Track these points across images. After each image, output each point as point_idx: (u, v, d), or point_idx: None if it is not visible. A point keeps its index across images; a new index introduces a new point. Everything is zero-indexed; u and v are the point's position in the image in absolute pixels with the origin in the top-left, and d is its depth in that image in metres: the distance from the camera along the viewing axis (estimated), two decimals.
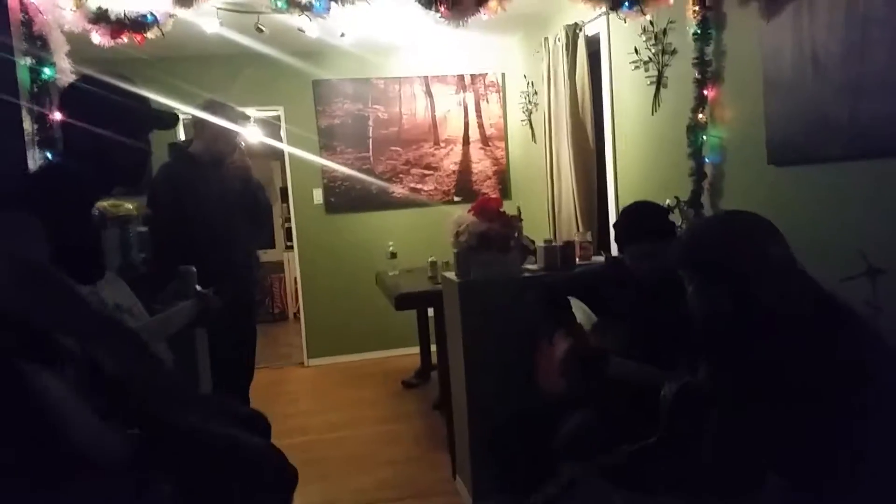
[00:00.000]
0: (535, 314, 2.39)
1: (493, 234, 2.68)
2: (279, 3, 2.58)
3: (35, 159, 2.47)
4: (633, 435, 1.94)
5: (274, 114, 5.43)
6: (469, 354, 2.63)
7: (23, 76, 2.43)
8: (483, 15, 2.71)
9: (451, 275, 2.78)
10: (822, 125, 2.20)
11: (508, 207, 2.86)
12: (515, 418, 2.57)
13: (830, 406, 1.15)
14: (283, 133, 5.40)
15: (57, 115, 2.51)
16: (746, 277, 1.32)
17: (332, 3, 2.59)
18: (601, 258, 3.02)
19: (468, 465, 2.70)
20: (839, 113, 2.12)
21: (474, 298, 2.64)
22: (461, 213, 2.77)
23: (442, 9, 2.63)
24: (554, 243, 2.81)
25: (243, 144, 3.15)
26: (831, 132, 2.16)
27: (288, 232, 7.47)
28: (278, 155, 7.42)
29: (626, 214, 2.15)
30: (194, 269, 2.05)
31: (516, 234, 2.76)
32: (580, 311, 2.32)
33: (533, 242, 3.02)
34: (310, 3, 2.61)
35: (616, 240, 2.18)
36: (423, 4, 2.62)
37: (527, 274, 2.75)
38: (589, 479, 1.45)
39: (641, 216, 2.13)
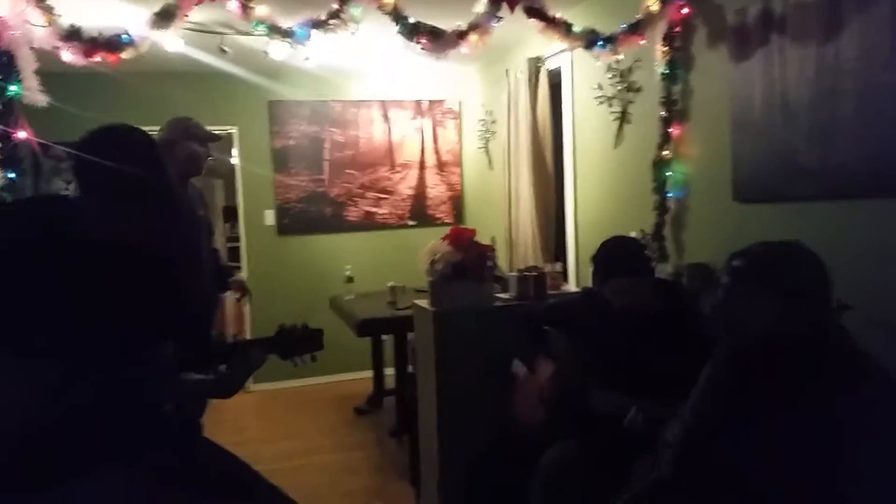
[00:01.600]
0: (513, 343, 2.40)
1: (469, 263, 2.67)
2: (260, 28, 2.53)
3: None
4: (613, 468, 1.96)
5: (226, 132, 5.29)
6: (442, 383, 2.61)
7: None
8: (463, 49, 2.74)
9: (424, 303, 2.76)
10: (791, 166, 2.32)
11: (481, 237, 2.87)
12: (490, 450, 2.55)
13: (857, 465, 1.18)
14: (235, 152, 5.27)
15: (21, 135, 2.38)
16: (813, 306, 1.34)
17: (314, 31, 2.55)
18: (569, 288, 3.07)
19: (435, 499, 2.66)
20: (808, 155, 2.24)
21: (448, 327, 2.62)
22: (435, 241, 2.76)
23: (423, 41, 2.65)
24: (526, 273, 2.83)
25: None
26: (800, 173, 2.28)
27: (231, 252, 7.29)
28: (221, 174, 7.28)
29: (607, 249, 2.18)
30: None
31: (490, 264, 2.77)
32: (558, 340, 2.34)
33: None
34: (291, 30, 2.57)
35: (596, 272, 2.21)
36: (405, 36, 2.63)
37: (499, 303, 2.76)
38: None
39: (622, 251, 2.18)
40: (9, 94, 2.25)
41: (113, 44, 2.41)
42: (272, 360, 1.67)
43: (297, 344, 1.64)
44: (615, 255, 2.15)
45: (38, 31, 2.27)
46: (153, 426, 1.50)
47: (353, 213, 5.45)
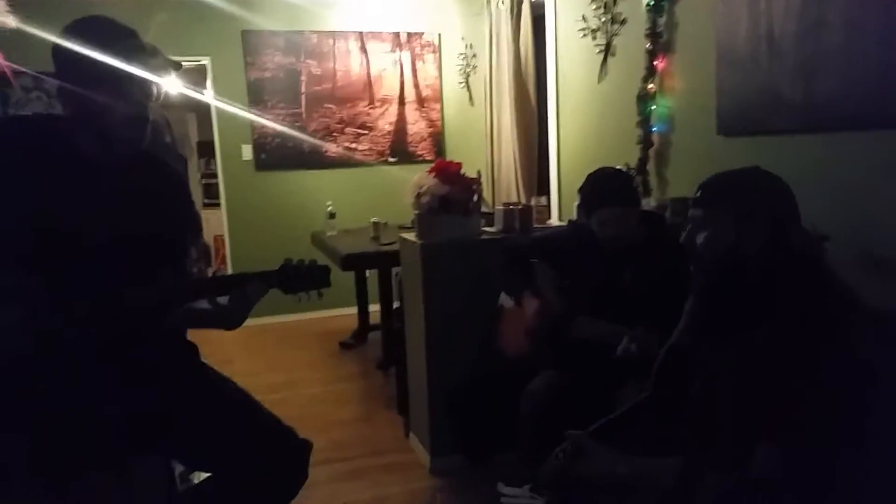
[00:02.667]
0: (501, 275, 2.44)
1: (455, 196, 2.68)
2: None
3: None
4: (598, 394, 2.04)
5: (199, 63, 5.14)
6: (430, 315, 2.65)
7: None
8: None
9: (411, 235, 2.78)
10: (775, 99, 2.34)
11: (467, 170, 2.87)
12: (476, 378, 2.63)
13: (831, 376, 1.23)
14: (209, 84, 5.14)
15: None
16: (769, 225, 1.38)
17: None
18: (554, 222, 3.10)
19: (426, 424, 2.75)
20: (793, 88, 2.26)
21: (435, 259, 2.65)
22: (421, 174, 2.76)
23: None
24: (511, 207, 2.85)
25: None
26: (784, 106, 2.30)
27: (207, 188, 7.17)
28: (193, 107, 7.09)
29: (594, 180, 2.20)
30: None
31: (475, 197, 2.78)
32: (545, 272, 2.38)
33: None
34: None
35: (582, 203, 2.24)
36: None
37: (486, 237, 2.79)
38: (589, 446, 1.49)
39: (610, 182, 2.20)
40: None
41: None
42: (273, 294, 1.67)
43: (301, 279, 1.61)
44: (602, 187, 2.18)
45: None
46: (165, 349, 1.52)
47: (332, 149, 5.39)
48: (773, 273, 1.38)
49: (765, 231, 1.39)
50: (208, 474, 1.60)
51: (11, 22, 2.27)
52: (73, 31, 1.40)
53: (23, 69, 2.83)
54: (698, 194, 1.50)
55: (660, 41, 2.97)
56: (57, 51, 1.40)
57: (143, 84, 1.45)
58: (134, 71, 1.40)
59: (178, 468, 1.93)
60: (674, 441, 1.43)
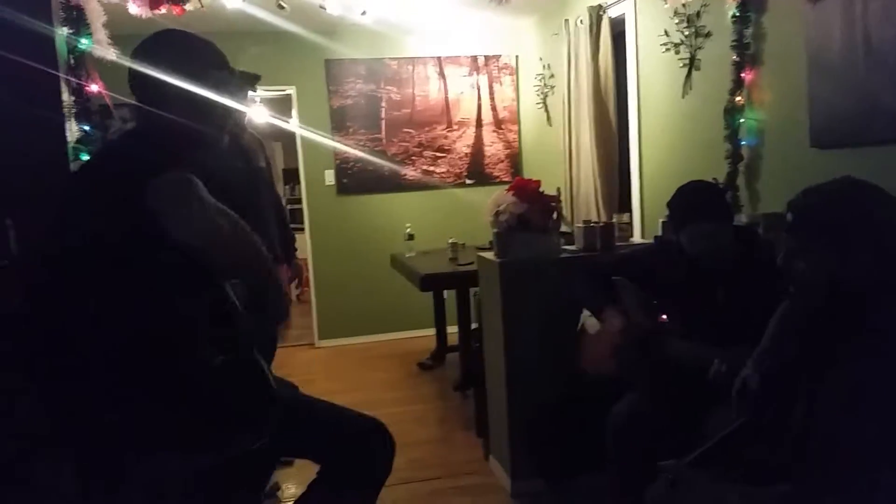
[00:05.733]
0: (584, 294, 2.38)
1: (533, 214, 2.66)
2: None
3: (72, 131, 2.41)
4: (686, 418, 1.95)
5: (284, 93, 5.35)
6: (509, 334, 2.62)
7: (60, 47, 2.37)
8: None
9: (490, 255, 2.76)
10: (872, 108, 2.20)
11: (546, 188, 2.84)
12: (559, 400, 2.57)
13: None
14: (294, 112, 5.33)
15: (93, 88, 2.45)
16: (874, 241, 1.28)
17: None
18: (636, 240, 3.02)
19: (505, 446, 2.70)
20: (892, 95, 2.12)
21: (514, 278, 2.62)
22: (500, 192, 2.75)
23: None
24: (593, 224, 2.79)
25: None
26: (881, 115, 2.17)
27: (292, 214, 7.42)
28: (278, 136, 7.38)
29: (685, 193, 2.11)
30: None
31: (555, 215, 2.74)
32: (631, 291, 2.30)
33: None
34: None
35: (671, 219, 2.16)
36: None
37: (566, 255, 2.74)
38: (693, 476, 1.42)
39: (702, 196, 2.10)
40: (80, 47, 2.31)
41: None
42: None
43: None
44: (693, 200, 2.08)
45: None
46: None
47: (410, 172, 5.47)
48: (879, 294, 1.29)
49: (869, 249, 1.29)
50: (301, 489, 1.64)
51: (112, 55, 2.42)
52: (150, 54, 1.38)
53: (124, 100, 3.01)
54: (790, 218, 1.40)
55: (747, 53, 2.87)
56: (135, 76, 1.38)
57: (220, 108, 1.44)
58: (211, 95, 1.39)
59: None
60: (775, 469, 1.34)
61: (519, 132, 5.66)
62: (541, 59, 5.27)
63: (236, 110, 2.70)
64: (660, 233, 2.77)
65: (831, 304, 1.37)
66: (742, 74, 2.88)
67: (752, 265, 2.04)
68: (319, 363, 5.05)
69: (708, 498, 1.36)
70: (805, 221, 1.36)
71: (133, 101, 1.42)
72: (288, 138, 6.40)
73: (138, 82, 1.39)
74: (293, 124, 5.34)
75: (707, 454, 1.53)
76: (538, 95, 5.34)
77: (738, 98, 2.90)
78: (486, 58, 5.54)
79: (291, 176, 6.81)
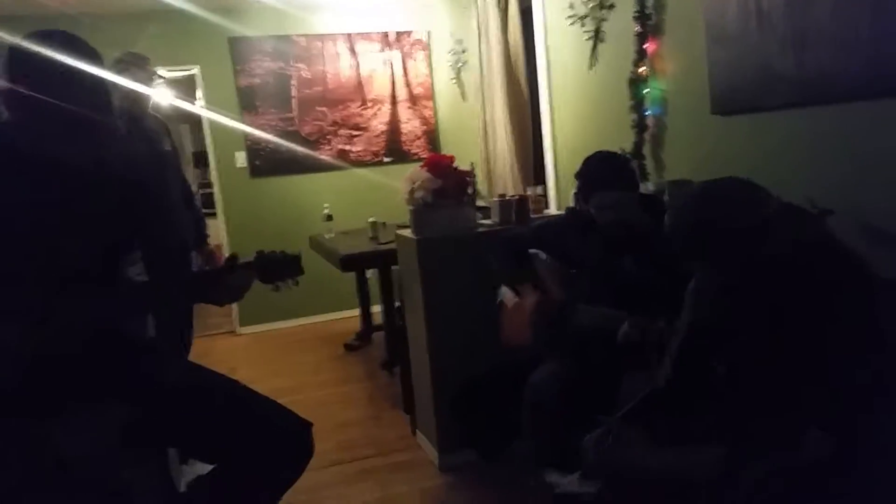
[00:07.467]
0: (499, 267, 2.41)
1: (449, 189, 2.66)
2: None
3: None
4: (601, 385, 2.01)
5: (189, 72, 5.12)
6: (430, 310, 2.63)
7: None
8: None
9: (407, 232, 2.76)
10: (768, 74, 2.30)
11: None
12: (482, 373, 2.60)
13: (848, 349, 1.21)
14: (199, 93, 5.12)
15: None
16: (749, 246, 1.36)
17: None
18: (551, 211, 3.07)
19: (432, 421, 2.72)
20: (785, 62, 2.23)
21: (432, 254, 2.62)
22: (415, 169, 2.73)
23: None
24: (508, 198, 2.82)
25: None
26: (777, 81, 2.27)
27: (205, 197, 7.16)
28: (186, 118, 7.07)
29: (591, 164, 2.17)
30: None
31: (470, 190, 2.75)
32: (544, 262, 2.35)
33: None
34: None
35: (580, 189, 2.21)
36: None
37: (482, 229, 2.76)
38: (627, 431, 1.46)
39: (607, 165, 2.17)
40: None
41: None
42: (259, 296, 1.65)
43: (277, 268, 1.60)
44: (599, 170, 2.14)
45: None
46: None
47: (326, 152, 5.36)
48: (785, 257, 1.37)
49: (765, 223, 1.37)
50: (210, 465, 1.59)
51: None
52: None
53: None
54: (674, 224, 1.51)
55: (649, 23, 2.94)
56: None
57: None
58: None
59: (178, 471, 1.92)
60: (700, 427, 1.40)
61: (434, 108, 5.64)
62: (452, 34, 5.25)
63: (124, 93, 2.59)
64: (572, 203, 2.83)
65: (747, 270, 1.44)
66: (644, 45, 2.95)
67: (658, 231, 2.12)
68: (241, 350, 4.93)
69: (645, 453, 1.42)
70: (677, 236, 1.49)
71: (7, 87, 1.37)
72: (196, 120, 6.15)
73: (18, 69, 1.39)
74: (198, 105, 5.13)
75: (630, 414, 1.59)
76: (452, 71, 5.33)
77: (641, 69, 2.98)
78: (398, 34, 5.47)
79: (202, 159, 6.56)
